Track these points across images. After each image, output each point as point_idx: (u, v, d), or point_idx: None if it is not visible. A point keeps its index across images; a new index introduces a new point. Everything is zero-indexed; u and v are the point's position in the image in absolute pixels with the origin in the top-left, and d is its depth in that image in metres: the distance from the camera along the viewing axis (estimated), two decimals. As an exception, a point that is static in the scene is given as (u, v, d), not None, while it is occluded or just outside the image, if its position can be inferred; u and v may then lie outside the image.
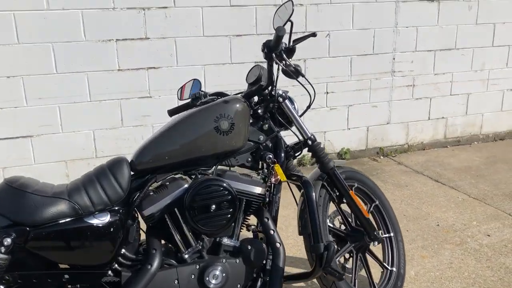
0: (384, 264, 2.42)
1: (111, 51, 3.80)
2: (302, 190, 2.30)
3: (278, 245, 2.02)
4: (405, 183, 4.10)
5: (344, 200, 2.25)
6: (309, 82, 2.07)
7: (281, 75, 2.08)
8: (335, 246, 1.93)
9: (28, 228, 1.74)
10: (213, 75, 4.10)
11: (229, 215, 1.93)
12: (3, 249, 1.68)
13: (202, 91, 2.22)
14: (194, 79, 2.32)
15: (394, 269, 2.41)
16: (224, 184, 1.92)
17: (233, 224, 2.01)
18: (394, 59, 4.67)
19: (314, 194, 1.97)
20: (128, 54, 3.85)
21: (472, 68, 5.01)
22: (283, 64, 2.00)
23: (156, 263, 1.86)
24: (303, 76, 2.00)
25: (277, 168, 2.08)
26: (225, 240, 2.03)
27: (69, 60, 3.71)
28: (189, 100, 2.25)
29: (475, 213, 3.46)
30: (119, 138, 4.00)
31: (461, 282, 2.60)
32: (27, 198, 1.76)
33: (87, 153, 3.94)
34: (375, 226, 2.31)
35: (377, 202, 2.47)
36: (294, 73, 1.99)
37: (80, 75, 3.76)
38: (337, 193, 2.27)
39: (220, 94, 2.23)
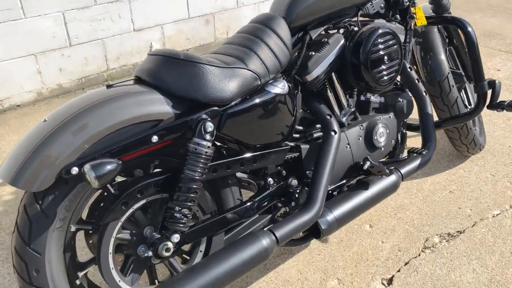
0: None
1: None
2: (415, 39, 2.16)
3: (424, 93, 1.93)
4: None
5: (455, 41, 2.18)
6: None
7: None
8: (500, 82, 1.89)
9: (218, 108, 1.38)
10: None
11: (398, 66, 1.75)
12: (208, 137, 1.32)
13: None
14: None
15: None
16: (394, 33, 1.70)
17: None
18: None
19: (473, 30, 1.86)
20: None
21: None
22: None
23: (338, 128, 1.65)
24: None
25: (419, 10, 1.90)
26: (373, 98, 1.87)
27: None
28: None
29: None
30: (94, 19, 3.30)
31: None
32: (208, 72, 1.36)
33: (59, 41, 3.20)
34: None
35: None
36: None
37: None
38: (446, 34, 2.19)
39: None
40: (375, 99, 1.87)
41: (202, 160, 1.31)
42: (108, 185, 1.27)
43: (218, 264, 1.29)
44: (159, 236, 1.36)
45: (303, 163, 1.65)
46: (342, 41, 1.69)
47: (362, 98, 1.86)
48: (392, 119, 1.87)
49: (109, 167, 1.14)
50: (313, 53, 1.64)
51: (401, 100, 1.87)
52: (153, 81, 1.35)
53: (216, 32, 3.99)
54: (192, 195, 1.32)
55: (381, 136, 1.81)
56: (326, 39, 1.68)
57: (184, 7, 3.70)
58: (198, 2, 3.75)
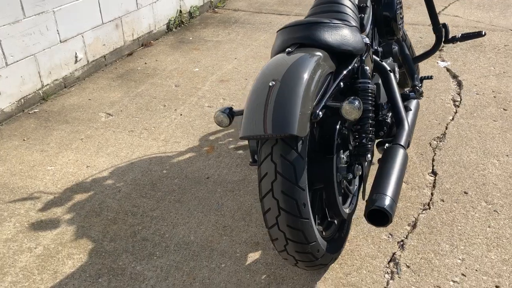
0: None
1: None
2: None
3: (402, 40, 2.63)
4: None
5: None
6: None
7: None
8: (447, 24, 2.68)
9: (359, 57, 1.79)
10: None
11: (403, 18, 2.38)
12: (369, 76, 1.73)
13: None
14: None
15: None
16: (399, -8, 2.33)
17: None
18: None
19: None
20: None
21: None
22: None
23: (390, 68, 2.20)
24: None
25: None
26: (378, 48, 2.47)
27: None
28: None
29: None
30: (25, 33, 3.05)
31: None
32: (350, 30, 1.76)
33: (-5, 62, 2.89)
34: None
35: None
36: None
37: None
38: None
39: None
40: (379, 48, 2.48)
41: (370, 94, 1.72)
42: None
43: (393, 170, 1.72)
44: (348, 163, 1.72)
45: (376, 98, 2.16)
46: (370, 4, 2.25)
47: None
48: (393, 61, 2.51)
49: (358, 102, 1.48)
50: (363, 15, 2.16)
51: (394, 47, 2.53)
52: (316, 43, 1.68)
53: (124, 35, 4.01)
54: (371, 122, 1.72)
55: (397, 73, 2.43)
56: (364, 4, 2.21)
57: (97, 12, 3.65)
58: (108, 6, 3.74)
